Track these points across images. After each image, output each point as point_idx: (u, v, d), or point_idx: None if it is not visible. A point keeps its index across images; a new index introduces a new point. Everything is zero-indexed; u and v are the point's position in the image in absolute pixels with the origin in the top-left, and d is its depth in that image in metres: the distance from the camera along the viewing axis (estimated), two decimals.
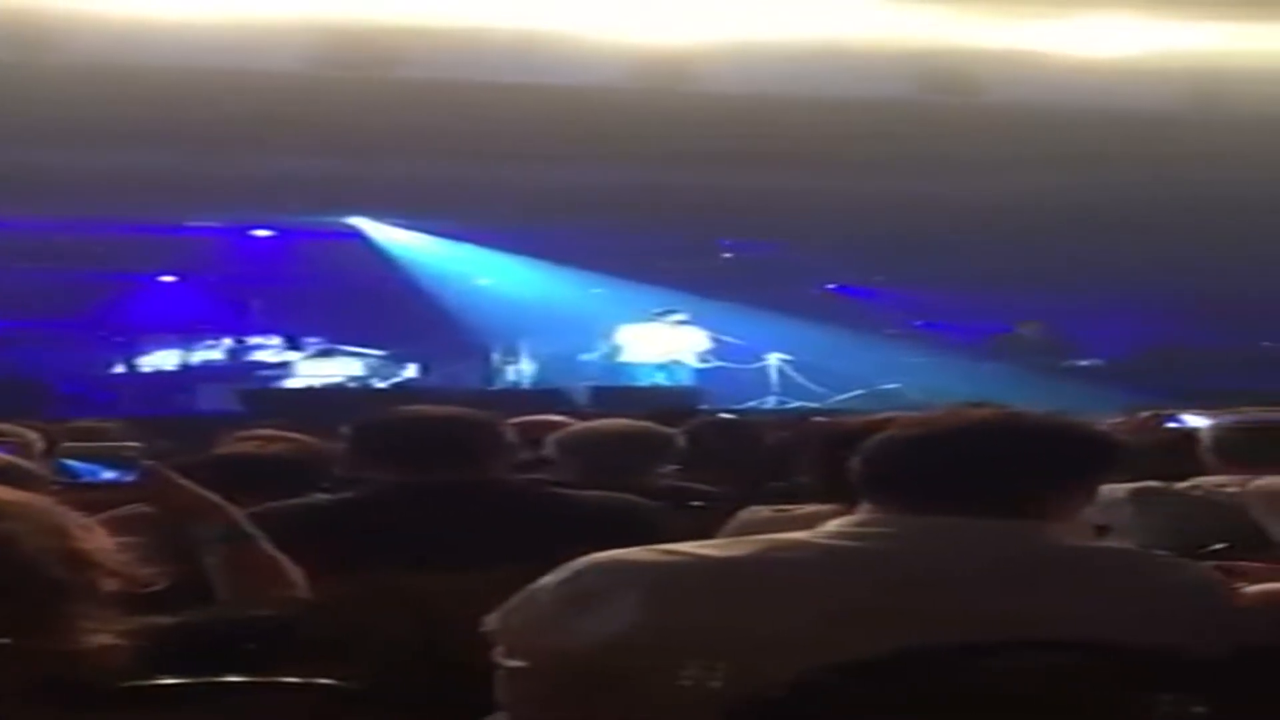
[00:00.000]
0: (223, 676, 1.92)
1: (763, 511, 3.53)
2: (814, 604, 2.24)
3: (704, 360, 17.10)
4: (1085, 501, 2.56)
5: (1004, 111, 12.72)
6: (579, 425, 5.37)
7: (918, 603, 2.25)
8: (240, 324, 18.45)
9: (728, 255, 19.40)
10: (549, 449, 5.03)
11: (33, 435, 5.46)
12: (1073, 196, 14.94)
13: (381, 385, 16.49)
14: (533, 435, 5.08)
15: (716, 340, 17.18)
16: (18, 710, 1.77)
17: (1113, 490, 4.23)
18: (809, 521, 2.58)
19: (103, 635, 2.00)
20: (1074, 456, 2.51)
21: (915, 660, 2.14)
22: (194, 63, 11.44)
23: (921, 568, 2.29)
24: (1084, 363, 17.77)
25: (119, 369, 17.87)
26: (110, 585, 2.10)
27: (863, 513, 2.41)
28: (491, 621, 2.38)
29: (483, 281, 19.07)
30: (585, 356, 17.77)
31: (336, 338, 17.65)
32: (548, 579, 2.35)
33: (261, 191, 16.00)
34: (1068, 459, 2.50)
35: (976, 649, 2.17)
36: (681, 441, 5.27)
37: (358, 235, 18.78)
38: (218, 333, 18.17)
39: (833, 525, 2.40)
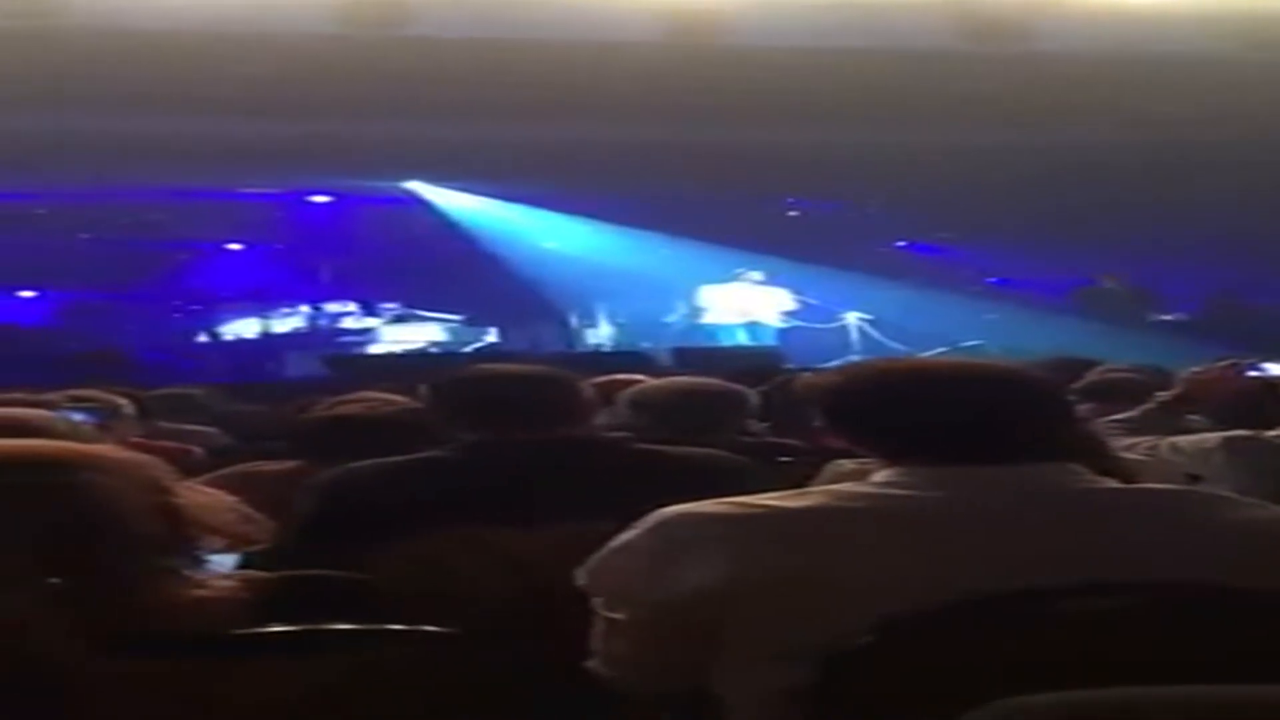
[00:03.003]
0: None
1: (847, 465, 3.53)
2: (881, 551, 2.27)
3: (785, 320, 17.09)
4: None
5: (1062, 60, 12.59)
6: (649, 383, 5.33)
7: (979, 546, 2.26)
8: (312, 290, 18.58)
9: (794, 214, 19.30)
10: (621, 407, 5.01)
11: (122, 400, 5.54)
12: (1137, 144, 14.76)
13: (465, 350, 16.51)
14: (607, 394, 5.07)
15: (795, 300, 17.16)
16: (118, 658, 1.80)
17: (1203, 439, 4.21)
18: None
19: (202, 588, 2.04)
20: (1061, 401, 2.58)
21: (995, 604, 2.16)
22: (238, 27, 11.52)
23: (976, 512, 2.31)
24: (1168, 316, 17.62)
25: (200, 337, 18.04)
26: (212, 542, 2.14)
27: (902, 463, 2.42)
28: (582, 575, 2.41)
29: (549, 245, 19.06)
30: (667, 318, 17.77)
31: (410, 303, 17.75)
32: (632, 532, 2.37)
33: (315, 156, 16.05)
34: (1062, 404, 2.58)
35: (1054, 592, 2.18)
36: (755, 399, 5.25)
37: (414, 200, 18.83)
38: (292, 299, 18.33)
39: (880, 475, 2.41)
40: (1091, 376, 6.01)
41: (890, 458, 2.41)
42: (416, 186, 18.67)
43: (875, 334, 17.04)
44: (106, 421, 4.84)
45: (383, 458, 3.72)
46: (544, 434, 3.72)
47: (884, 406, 2.47)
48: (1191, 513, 2.39)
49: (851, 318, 17.30)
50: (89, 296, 18.36)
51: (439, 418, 4.00)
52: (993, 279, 19.44)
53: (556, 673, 2.07)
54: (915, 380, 2.52)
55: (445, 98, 13.11)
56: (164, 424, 6.09)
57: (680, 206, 17.50)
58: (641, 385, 5.25)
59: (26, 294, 18.51)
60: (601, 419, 4.62)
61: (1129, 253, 17.35)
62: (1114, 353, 8.71)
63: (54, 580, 1.87)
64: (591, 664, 2.35)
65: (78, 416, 4.52)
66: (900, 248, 19.87)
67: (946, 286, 18.51)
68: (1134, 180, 15.72)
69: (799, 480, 3.43)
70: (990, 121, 14.12)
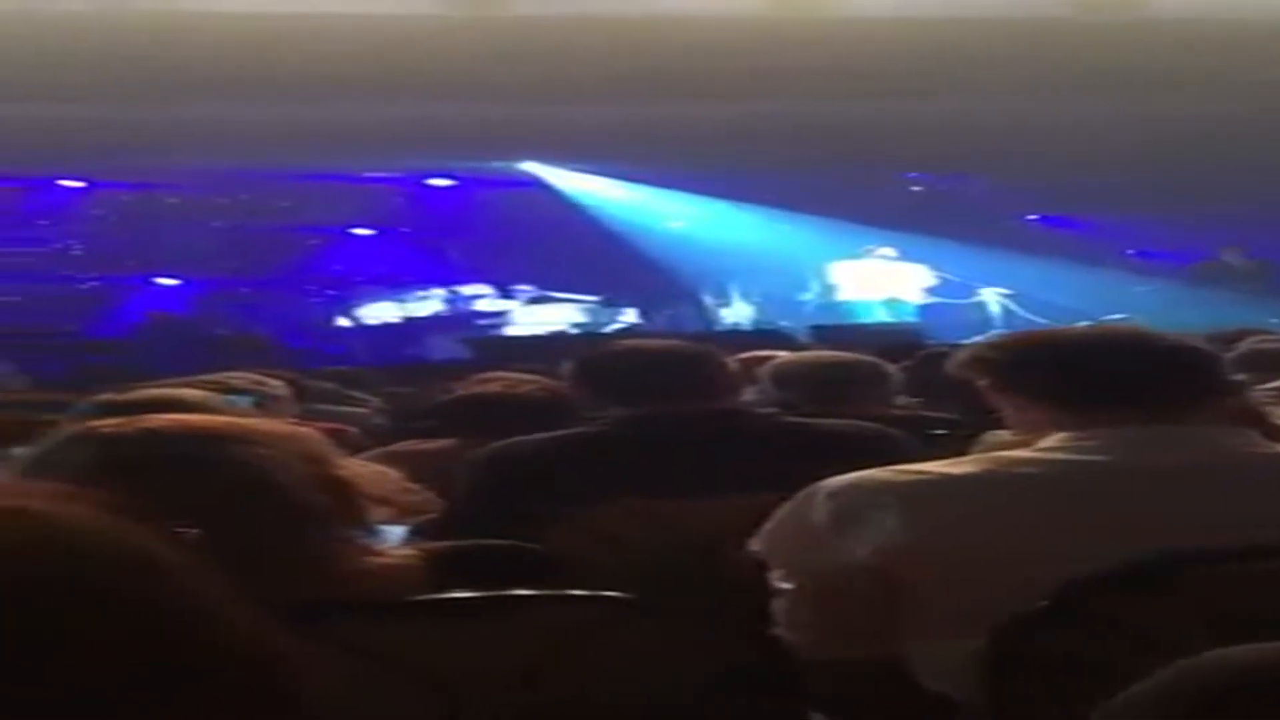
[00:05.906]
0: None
1: (1003, 435, 3.51)
2: (1056, 515, 2.28)
3: (923, 296, 16.95)
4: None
5: (1182, 27, 12.37)
6: (789, 356, 5.31)
7: (1155, 509, 2.26)
8: (443, 274, 18.70)
9: (916, 189, 19.10)
10: (763, 382, 4.99)
11: (277, 383, 5.61)
12: (1262, 112, 14.43)
13: (605, 330, 16.52)
14: (747, 370, 5.04)
15: (933, 275, 17.02)
16: (306, 627, 1.83)
17: None
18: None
19: (382, 557, 2.07)
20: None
21: (1176, 567, 2.14)
22: (353, 10, 11.62)
23: (1148, 474, 2.30)
24: None
25: (340, 321, 18.23)
26: (379, 513, 2.17)
27: (1069, 429, 2.40)
28: (756, 544, 2.43)
29: (674, 225, 19.01)
30: (803, 296, 17.69)
31: (544, 285, 17.81)
32: (802, 501, 2.38)
33: (432, 139, 16.10)
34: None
35: (1237, 553, 2.16)
36: (893, 371, 5.21)
37: (533, 182, 18.86)
38: (425, 283, 18.45)
39: (1049, 440, 2.41)
40: (1244, 347, 5.93)
41: (1064, 417, 2.39)
42: (533, 168, 18.72)
43: (1017, 309, 16.82)
44: (262, 404, 4.90)
45: (523, 434, 3.75)
46: (693, 408, 3.73)
47: (1060, 368, 2.47)
48: None
49: (989, 294, 17.10)
50: (228, 283, 18.61)
51: (584, 393, 4.02)
52: (1133, 251, 19.11)
53: (728, 639, 2.07)
54: (1091, 343, 2.51)
55: (559, 77, 13.13)
56: (318, 405, 6.17)
57: (800, 183, 17.36)
58: (782, 360, 5.21)
59: (167, 281, 18.79)
60: (744, 395, 4.62)
61: (1265, 222, 16.97)
62: (1262, 324, 8.58)
63: (229, 552, 1.90)
64: (779, 631, 2.36)
65: (233, 399, 4.58)
66: (1031, 221, 19.57)
67: (1087, 260, 18.22)
68: (1264, 148, 15.38)
69: (952, 453, 3.42)
70: (1112, 91, 13.91)
